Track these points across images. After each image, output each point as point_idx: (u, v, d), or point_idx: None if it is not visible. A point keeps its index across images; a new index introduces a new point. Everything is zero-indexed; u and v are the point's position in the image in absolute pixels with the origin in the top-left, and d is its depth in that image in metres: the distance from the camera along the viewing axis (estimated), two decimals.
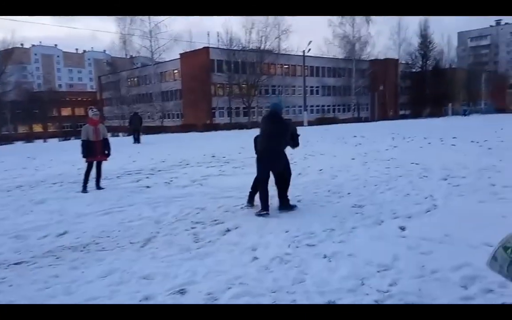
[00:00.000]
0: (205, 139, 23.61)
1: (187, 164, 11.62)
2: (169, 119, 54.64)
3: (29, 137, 43.91)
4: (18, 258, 4.42)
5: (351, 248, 4.32)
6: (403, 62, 66.75)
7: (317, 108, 61.57)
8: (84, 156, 8.39)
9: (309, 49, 47.17)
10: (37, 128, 61.23)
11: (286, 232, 4.96)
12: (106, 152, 8.59)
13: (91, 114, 8.66)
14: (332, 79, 62.45)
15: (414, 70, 67.16)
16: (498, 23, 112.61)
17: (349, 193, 7.01)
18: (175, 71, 58.03)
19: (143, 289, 3.52)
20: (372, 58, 61.38)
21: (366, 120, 53.85)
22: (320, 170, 9.54)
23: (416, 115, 57.26)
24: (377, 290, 3.36)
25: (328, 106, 62.92)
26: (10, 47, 50.11)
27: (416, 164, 9.62)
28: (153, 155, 14.25)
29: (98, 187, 8.41)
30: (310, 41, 52.76)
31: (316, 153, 12.77)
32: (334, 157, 11.74)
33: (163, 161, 12.43)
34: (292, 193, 7.01)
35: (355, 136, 18.69)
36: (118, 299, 3.35)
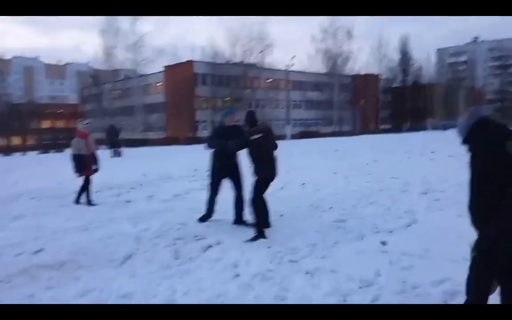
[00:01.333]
0: (188, 152, 23.46)
1: (169, 178, 11.50)
2: (152, 132, 54.18)
3: (7, 150, 42.89)
4: None
5: (333, 264, 4.31)
6: (384, 77, 68.17)
7: (300, 122, 62.00)
8: (76, 171, 8.09)
9: (293, 64, 47.84)
10: (16, 140, 59.88)
11: (269, 247, 4.93)
12: (94, 167, 8.25)
13: (80, 127, 8.39)
14: (315, 93, 63.17)
15: (394, 85, 68.64)
16: (475, 40, 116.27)
17: (331, 208, 7.03)
18: (159, 84, 57.83)
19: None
20: (354, 73, 62.50)
21: (348, 133, 54.52)
22: (303, 184, 9.56)
23: (396, 129, 58.25)
24: None
25: (311, 120, 63.47)
26: None
27: (397, 178, 9.73)
28: (135, 168, 14.07)
29: (90, 203, 8.14)
30: (294, 56, 53.75)
31: (298, 167, 12.80)
32: (317, 171, 11.80)
33: (145, 175, 12.27)
34: (275, 208, 6.99)
35: (337, 150, 18.86)
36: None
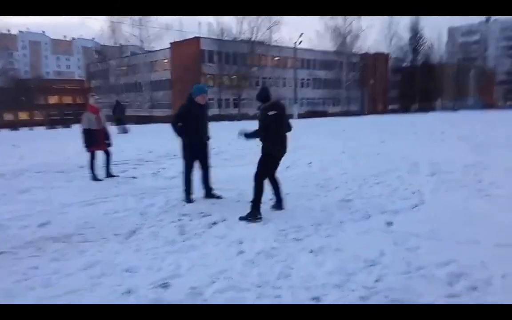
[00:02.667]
0: None
1: (175, 155, 11.46)
2: (158, 109, 54.13)
3: (14, 125, 43.10)
4: None
5: (338, 243, 4.29)
6: (394, 56, 67.04)
7: (308, 101, 61.56)
8: (86, 146, 8.05)
9: (300, 42, 47.07)
10: (23, 115, 60.13)
11: (274, 225, 4.91)
12: (107, 141, 8.30)
13: (92, 101, 8.32)
14: (323, 72, 62.45)
15: (404, 65, 67.55)
16: (487, 19, 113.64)
17: (337, 187, 6.99)
18: (165, 60, 57.44)
19: (125, 282, 3.44)
20: (363, 52, 61.55)
21: (356, 114, 54.05)
22: (309, 163, 9.51)
23: (404, 109, 57.64)
24: (363, 286, 3.33)
25: (319, 99, 62.98)
26: None
27: (405, 158, 9.64)
28: (141, 145, 14.09)
29: (110, 175, 8.24)
30: (302, 33, 52.47)
31: (305, 146, 12.73)
32: (324, 150, 11.73)
33: (151, 152, 12.29)
34: (283, 185, 6.96)
35: (344, 130, 18.72)
36: (99, 292, 3.27)
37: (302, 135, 16.84)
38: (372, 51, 63.32)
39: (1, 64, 54.23)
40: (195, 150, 6.27)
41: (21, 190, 7.21)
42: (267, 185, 5.50)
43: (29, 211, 5.68)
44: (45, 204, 6.16)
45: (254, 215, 5.20)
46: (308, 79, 61.81)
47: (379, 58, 64.18)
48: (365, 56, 61.68)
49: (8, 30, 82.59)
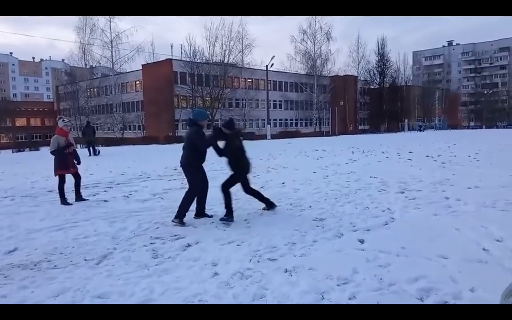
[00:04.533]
0: (167, 151, 23.22)
1: (148, 177, 11.36)
2: (130, 131, 53.41)
3: None
4: None
5: (312, 262, 4.34)
6: (362, 79, 69.21)
7: (280, 121, 62.30)
8: (55, 169, 7.86)
9: (272, 64, 47.95)
10: None
11: (248, 246, 4.93)
12: (76, 162, 8.16)
13: (61, 124, 8.13)
14: (295, 94, 63.57)
15: (372, 87, 69.80)
16: (450, 43, 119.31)
17: (310, 206, 7.08)
18: (137, 82, 57.05)
19: None
20: (333, 74, 63.20)
21: (327, 134, 55.08)
22: (283, 183, 9.60)
23: (374, 130, 59.19)
24: None
25: (291, 120, 63.85)
26: None
27: (375, 177, 9.89)
28: (112, 167, 13.85)
29: (80, 198, 8.05)
30: (273, 56, 53.67)
31: (278, 166, 12.86)
32: (296, 170, 11.87)
33: (123, 174, 12.10)
34: (255, 206, 7.01)
35: (316, 150, 19.02)
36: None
37: (274, 155, 16.99)
38: (341, 73, 65.14)
39: None
40: (204, 173, 6.62)
41: None
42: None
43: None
44: (11, 230, 5.96)
45: (230, 215, 6.20)
46: (280, 101, 62.72)
47: (348, 80, 66.02)
48: (335, 78, 63.32)
49: None
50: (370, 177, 10.01)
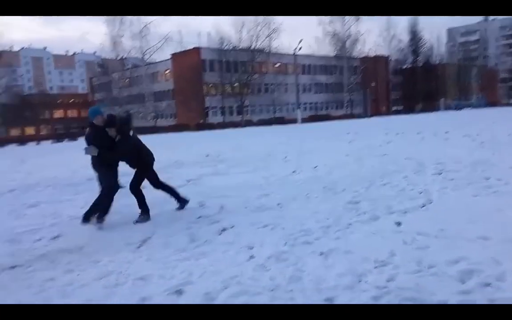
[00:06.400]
0: (198, 138, 23.55)
1: (181, 164, 11.57)
2: (162, 119, 54.40)
3: (21, 140, 43.44)
4: (12, 262, 4.37)
5: (348, 245, 4.31)
6: (394, 59, 67.22)
7: (310, 105, 61.69)
8: None
9: (300, 48, 47.33)
10: (29, 130, 60.61)
11: (282, 229, 4.95)
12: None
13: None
14: (324, 77, 62.68)
15: (405, 67, 67.65)
16: (486, 19, 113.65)
17: (344, 190, 7.01)
18: (167, 71, 57.88)
19: (140, 290, 3.48)
20: (363, 55, 61.74)
21: (359, 116, 54.06)
22: (315, 167, 9.54)
23: (408, 110, 57.59)
24: (375, 286, 3.35)
25: (321, 103, 63.12)
26: None
27: (410, 159, 9.66)
28: None
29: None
30: (301, 40, 52.96)
31: (310, 150, 12.78)
32: (328, 154, 11.76)
33: (157, 162, 12.33)
34: (287, 191, 7.03)
35: (348, 133, 18.74)
36: (114, 301, 3.31)
37: (306, 139, 16.89)
38: (372, 54, 63.51)
39: (5, 81, 54.70)
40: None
41: (31, 204, 7.29)
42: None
43: (40, 225, 5.75)
44: (54, 217, 6.24)
45: (146, 215, 5.91)
46: (309, 84, 62.02)
47: (380, 60, 64.37)
48: (366, 59, 61.86)
49: (10, 47, 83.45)
50: (405, 158, 9.78)
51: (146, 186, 6.23)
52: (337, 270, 3.72)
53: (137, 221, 5.79)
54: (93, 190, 8.21)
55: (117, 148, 5.69)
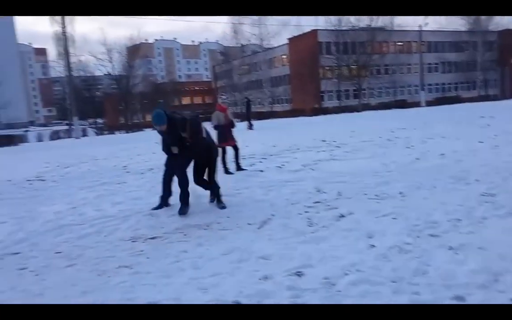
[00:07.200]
0: (314, 123, 23.51)
1: (298, 149, 11.72)
2: (278, 104, 55.59)
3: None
4: (152, 233, 4.97)
5: (481, 241, 3.93)
6: None
7: (437, 86, 56.77)
8: (217, 142, 8.74)
9: (427, 23, 43.57)
10: None
11: (405, 220, 4.72)
12: (234, 137, 8.93)
13: (220, 101, 9.02)
14: (454, 54, 56.84)
15: None
16: None
17: (477, 180, 6.36)
18: (284, 56, 58.63)
19: (262, 268, 3.68)
20: (501, 28, 54.17)
21: (495, 98, 47.96)
22: (442, 154, 8.81)
23: None
24: None
25: (449, 84, 57.56)
26: (137, 43, 55.79)
27: None
28: (264, 140, 14.68)
29: (240, 168, 8.85)
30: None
31: (436, 135, 11.83)
32: (458, 140, 10.74)
33: (274, 146, 12.73)
34: (410, 179, 6.65)
35: (482, 117, 16.80)
36: (239, 276, 3.55)
37: (430, 123, 15.65)
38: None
39: (142, 71, 61.34)
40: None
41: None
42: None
43: (175, 201, 6.37)
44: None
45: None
46: (436, 63, 56.96)
47: None
48: (505, 33, 54.20)
49: (146, 40, 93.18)
50: None
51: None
52: (469, 266, 3.43)
53: (220, 207, 5.92)
54: (218, 171, 8.83)
55: (191, 150, 5.81)
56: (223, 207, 5.90)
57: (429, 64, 55.66)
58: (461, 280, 3.22)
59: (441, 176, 6.82)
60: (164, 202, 6.14)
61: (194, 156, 5.91)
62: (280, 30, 51.81)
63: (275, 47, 57.37)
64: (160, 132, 5.93)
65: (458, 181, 6.42)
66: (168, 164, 6.17)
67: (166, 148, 6.09)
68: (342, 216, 5.13)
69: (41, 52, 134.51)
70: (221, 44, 67.48)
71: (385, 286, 3.19)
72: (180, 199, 5.83)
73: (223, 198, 6.09)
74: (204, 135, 5.94)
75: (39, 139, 29.97)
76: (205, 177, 6.11)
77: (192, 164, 5.99)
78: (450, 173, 6.96)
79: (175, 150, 5.90)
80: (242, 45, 56.85)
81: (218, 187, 6.09)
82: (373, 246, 4.06)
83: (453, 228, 4.37)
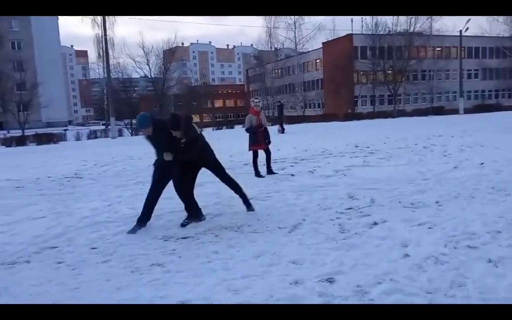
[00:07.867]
0: (347, 128, 23.19)
1: (330, 154, 11.59)
2: (310, 109, 55.21)
3: None
4: (184, 233, 5.05)
5: None
6: None
7: (476, 93, 54.82)
8: (249, 145, 8.73)
9: (467, 28, 42.00)
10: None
11: (442, 230, 4.57)
12: (267, 140, 8.88)
13: (253, 105, 9.10)
14: (495, 61, 54.72)
15: None
16: None
17: None
18: (317, 60, 58.25)
19: (292, 273, 3.65)
20: None
21: None
22: (481, 164, 8.48)
23: None
24: None
25: (490, 91, 55.43)
26: (173, 46, 56.93)
27: None
28: (296, 144, 14.61)
29: (271, 172, 8.86)
30: (469, 19, 46.71)
31: (474, 144, 11.40)
32: (498, 149, 10.31)
33: (306, 150, 12.65)
34: (448, 188, 6.45)
35: None
36: (269, 280, 3.54)
37: (469, 131, 15.11)
38: None
39: (177, 74, 62.54)
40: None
41: (197, 184, 8.22)
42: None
43: (206, 203, 6.46)
44: (217, 197, 6.93)
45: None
46: (476, 70, 55.01)
47: None
48: None
49: (182, 43, 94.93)
50: None
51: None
52: (509, 280, 3.28)
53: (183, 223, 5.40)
54: (249, 174, 8.88)
55: (186, 151, 5.38)
56: (252, 210, 5.86)
57: (469, 70, 53.83)
58: (500, 294, 3.09)
59: (480, 186, 6.56)
60: (140, 225, 5.30)
61: (189, 157, 5.41)
62: (315, 34, 51.24)
63: (309, 51, 57.03)
64: (148, 138, 5.40)
65: (498, 192, 6.16)
66: (155, 179, 5.55)
67: (160, 159, 5.48)
68: (375, 223, 5.03)
69: (82, 54, 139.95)
70: (255, 48, 67.84)
71: (419, 297, 3.10)
72: (187, 210, 5.52)
73: (252, 201, 6.09)
74: (199, 132, 5.56)
75: (77, 138, 30.98)
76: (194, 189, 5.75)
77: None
78: (490, 184, 6.68)
79: (168, 156, 5.31)
80: (276, 49, 56.88)
81: (196, 210, 5.57)
82: (408, 255, 3.95)
83: (492, 240, 4.19)
